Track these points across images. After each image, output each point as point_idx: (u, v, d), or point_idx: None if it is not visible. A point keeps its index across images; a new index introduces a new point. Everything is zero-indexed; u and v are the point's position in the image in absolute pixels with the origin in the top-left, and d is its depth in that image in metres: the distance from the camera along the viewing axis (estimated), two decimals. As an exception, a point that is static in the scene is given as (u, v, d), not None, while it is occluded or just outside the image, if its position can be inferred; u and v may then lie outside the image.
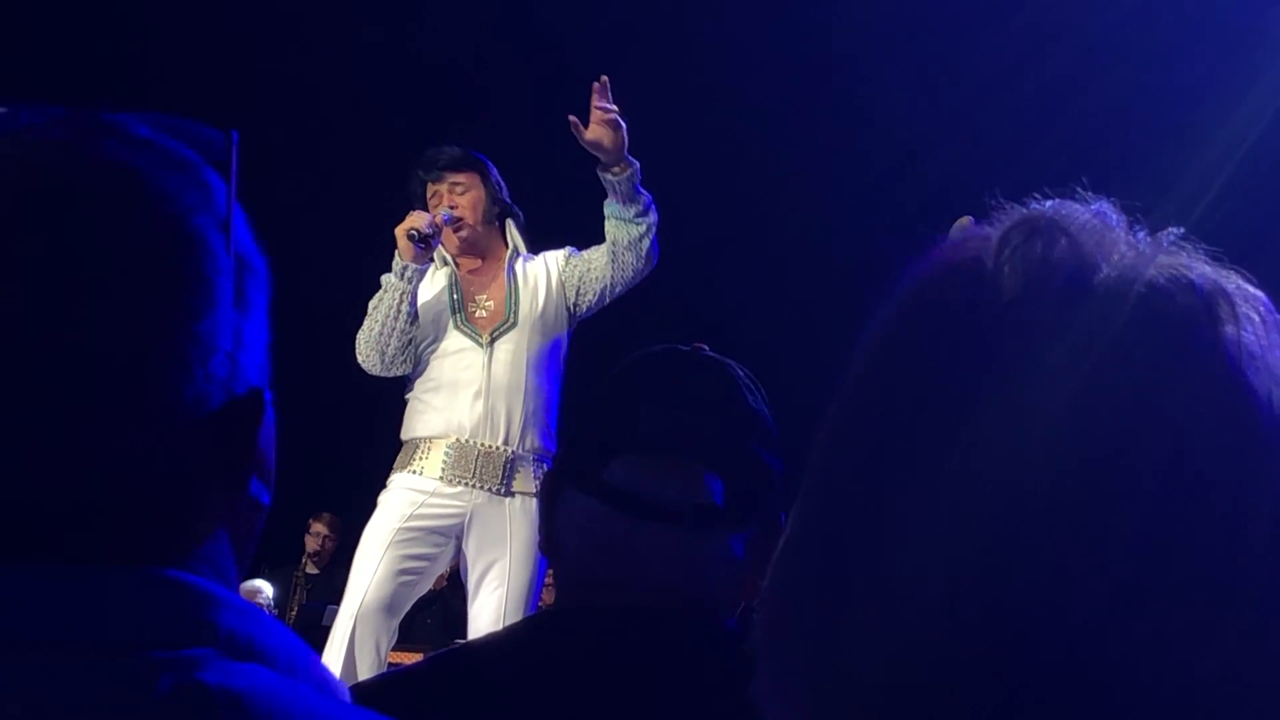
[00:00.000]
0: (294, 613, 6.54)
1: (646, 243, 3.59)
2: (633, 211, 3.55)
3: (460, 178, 3.67)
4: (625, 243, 3.58)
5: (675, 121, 6.76)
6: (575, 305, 3.72)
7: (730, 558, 1.13)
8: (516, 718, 1.06)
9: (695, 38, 7.27)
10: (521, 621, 1.19)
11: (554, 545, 1.18)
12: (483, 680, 1.10)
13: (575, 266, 3.70)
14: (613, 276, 3.65)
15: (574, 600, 1.15)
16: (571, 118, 3.45)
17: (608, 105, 3.48)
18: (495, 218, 3.73)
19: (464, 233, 3.66)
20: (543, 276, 3.71)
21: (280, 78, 6.86)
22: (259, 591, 6.37)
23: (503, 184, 3.76)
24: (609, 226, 3.61)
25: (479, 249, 3.72)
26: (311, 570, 7.30)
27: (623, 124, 3.48)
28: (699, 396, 1.16)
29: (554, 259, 3.75)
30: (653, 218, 3.60)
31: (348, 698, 0.65)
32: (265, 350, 0.67)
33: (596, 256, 3.66)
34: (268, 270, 0.67)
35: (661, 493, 1.11)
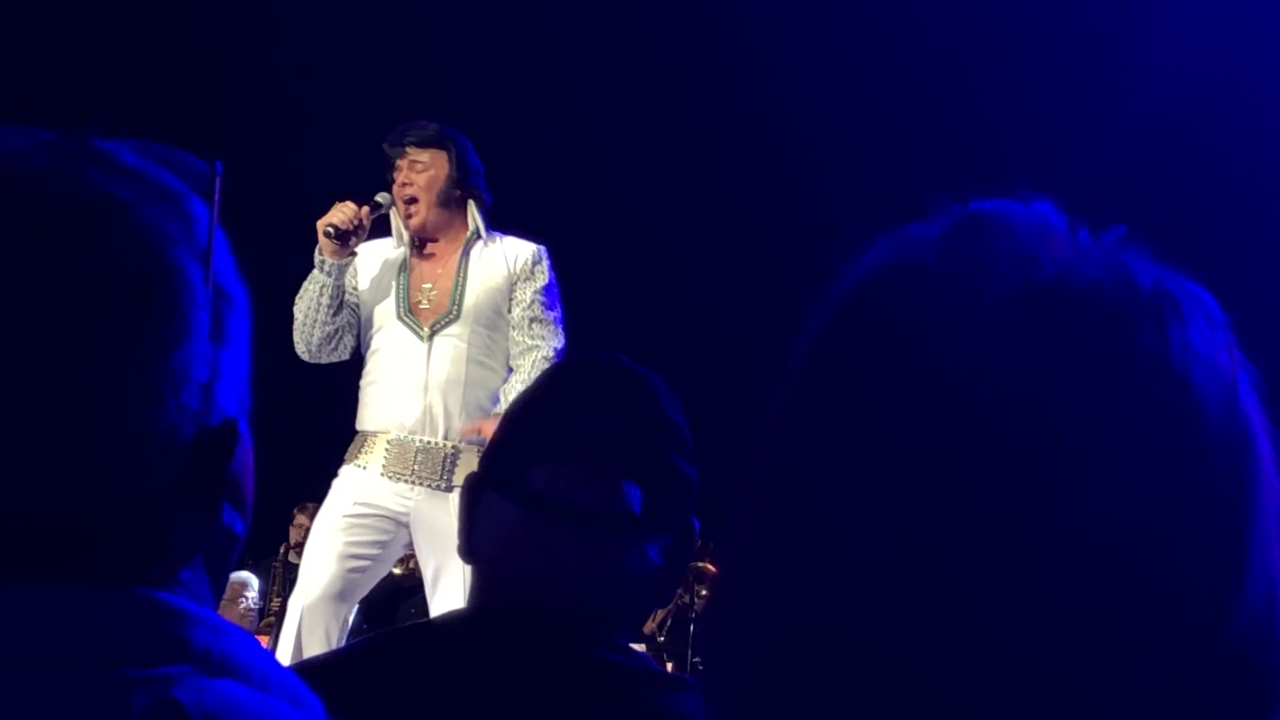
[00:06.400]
0: (275, 603, 6.51)
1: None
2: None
3: (423, 156, 3.55)
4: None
5: (622, 120, 6.76)
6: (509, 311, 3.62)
7: (646, 563, 1.16)
8: (414, 707, 1.09)
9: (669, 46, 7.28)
10: (435, 619, 1.22)
11: (473, 548, 1.20)
12: (388, 672, 1.12)
13: (523, 288, 3.58)
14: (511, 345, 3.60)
15: (487, 599, 1.18)
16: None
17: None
18: (456, 200, 3.59)
19: (415, 219, 3.55)
20: (498, 268, 3.59)
21: (264, 75, 6.84)
22: (246, 584, 6.32)
23: (476, 166, 3.63)
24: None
25: (431, 230, 3.60)
26: (294, 560, 7.27)
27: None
28: (619, 405, 1.18)
29: (516, 258, 3.61)
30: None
31: (322, 713, 0.65)
32: (244, 381, 0.68)
33: (518, 314, 3.56)
34: (248, 300, 0.68)
35: (580, 498, 1.14)
